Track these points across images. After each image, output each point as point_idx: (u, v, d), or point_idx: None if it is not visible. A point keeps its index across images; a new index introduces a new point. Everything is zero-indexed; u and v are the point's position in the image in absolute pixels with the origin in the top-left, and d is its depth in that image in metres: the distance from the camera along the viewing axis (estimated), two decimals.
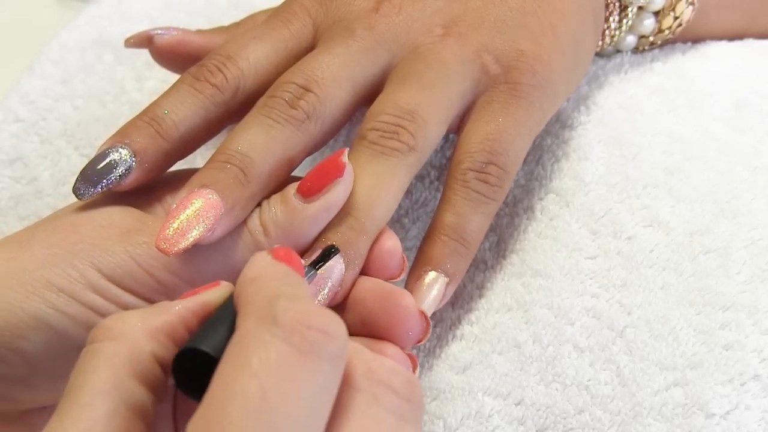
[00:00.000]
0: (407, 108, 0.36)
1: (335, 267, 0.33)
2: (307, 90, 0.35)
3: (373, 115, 0.36)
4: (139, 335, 0.27)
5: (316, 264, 0.33)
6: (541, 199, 0.40)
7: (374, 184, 0.35)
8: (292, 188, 0.34)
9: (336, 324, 0.25)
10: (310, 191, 0.33)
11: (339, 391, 0.26)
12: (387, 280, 0.35)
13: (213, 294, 0.29)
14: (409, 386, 0.27)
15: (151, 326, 0.27)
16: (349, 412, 0.25)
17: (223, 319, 0.27)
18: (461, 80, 0.37)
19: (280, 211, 0.34)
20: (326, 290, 0.33)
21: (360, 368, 0.26)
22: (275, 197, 0.34)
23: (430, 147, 0.36)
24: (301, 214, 0.33)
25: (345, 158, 0.34)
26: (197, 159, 0.43)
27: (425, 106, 0.36)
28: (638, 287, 0.37)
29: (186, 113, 0.36)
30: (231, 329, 0.27)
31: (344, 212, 0.34)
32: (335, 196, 0.33)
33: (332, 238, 0.34)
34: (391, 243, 0.35)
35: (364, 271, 0.35)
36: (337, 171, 0.33)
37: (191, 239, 0.32)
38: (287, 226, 0.33)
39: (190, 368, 0.27)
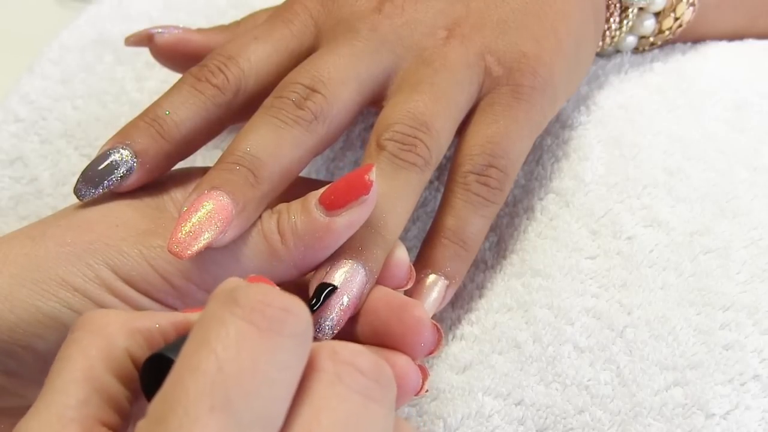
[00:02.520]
0: (423, 119, 0.36)
1: (356, 279, 0.33)
2: (314, 90, 0.35)
3: (389, 123, 0.36)
4: (116, 331, 0.27)
5: (311, 305, 0.33)
6: (541, 199, 0.40)
7: (395, 198, 0.35)
8: (313, 197, 0.34)
9: (298, 304, 0.25)
10: (333, 205, 0.33)
11: (303, 373, 0.25)
12: (394, 289, 0.35)
13: (198, 316, 0.29)
14: (376, 367, 0.26)
15: (131, 326, 0.27)
16: (310, 392, 0.25)
17: None
18: (468, 85, 0.37)
19: (300, 220, 0.33)
20: (347, 302, 0.33)
21: (324, 351, 0.26)
22: (295, 205, 0.34)
23: (440, 158, 0.36)
24: (322, 227, 0.33)
25: (372, 176, 0.33)
26: (197, 159, 0.43)
27: (439, 118, 0.36)
28: (638, 287, 0.37)
29: (187, 114, 0.36)
30: None
31: (367, 225, 0.34)
32: (359, 213, 0.33)
33: (354, 250, 0.34)
34: (399, 253, 0.35)
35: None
36: (363, 188, 0.33)
37: (203, 242, 0.32)
38: (306, 237, 0.33)
39: (160, 378, 0.26)
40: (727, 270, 0.37)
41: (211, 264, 0.33)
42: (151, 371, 0.27)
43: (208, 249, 0.32)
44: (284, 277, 0.34)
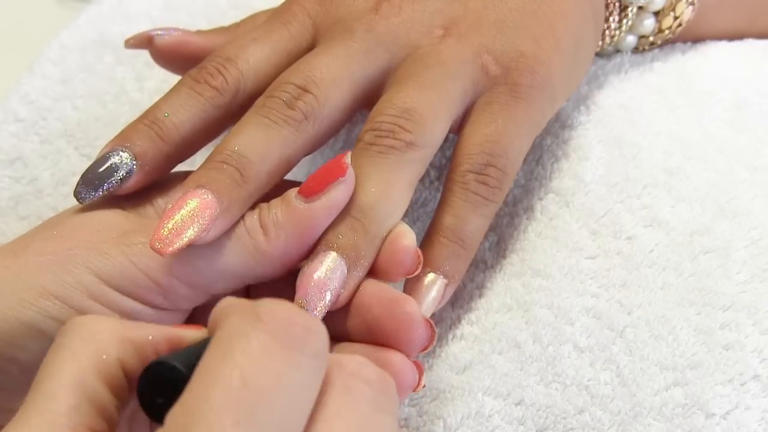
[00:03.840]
0: (404, 107, 0.35)
1: (336, 270, 0.33)
2: (306, 90, 0.36)
3: (372, 117, 0.36)
4: (108, 339, 0.27)
5: None
6: (541, 199, 0.40)
7: (373, 184, 0.35)
8: (293, 191, 0.34)
9: (318, 324, 0.26)
10: (311, 192, 0.33)
11: None
12: (404, 276, 0.35)
13: (191, 333, 0.29)
14: (382, 379, 0.27)
15: (123, 335, 0.27)
16: (321, 404, 0.26)
17: (198, 350, 0.27)
18: (461, 79, 0.37)
19: (281, 211, 0.34)
20: (328, 293, 0.33)
21: (330, 364, 0.27)
22: (276, 200, 0.34)
23: (432, 143, 0.36)
24: (301, 214, 0.33)
25: (347, 160, 0.34)
26: (197, 160, 0.43)
27: (424, 104, 0.36)
28: (638, 287, 0.37)
29: (186, 116, 0.36)
30: None
31: (344, 214, 0.34)
32: (336, 195, 0.33)
33: (332, 241, 0.34)
34: (404, 240, 0.35)
35: (376, 270, 0.35)
36: (339, 171, 0.33)
37: (186, 239, 0.32)
38: (288, 227, 0.33)
39: (155, 388, 0.27)
40: (727, 270, 0.37)
41: (195, 258, 0.33)
42: (149, 383, 0.27)
43: (191, 246, 0.32)
44: (271, 272, 0.34)
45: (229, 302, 0.27)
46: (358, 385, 0.26)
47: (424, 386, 0.34)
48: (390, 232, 0.35)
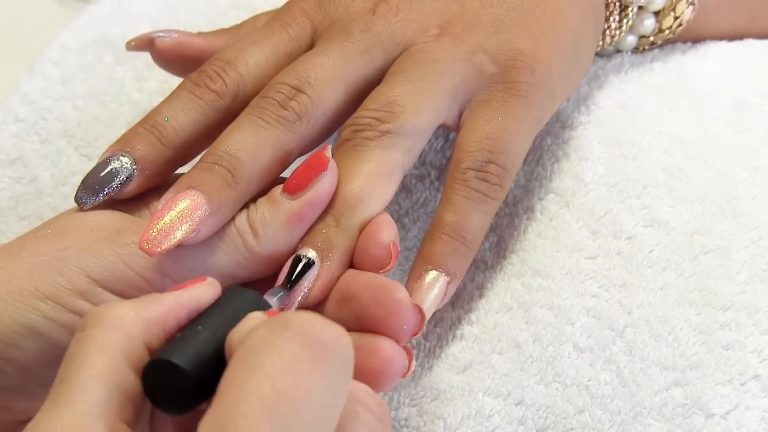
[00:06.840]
0: (384, 101, 0.36)
1: (310, 269, 0.34)
2: (300, 91, 0.36)
3: (354, 114, 0.36)
4: (132, 324, 0.28)
5: (290, 280, 0.33)
6: (541, 199, 0.40)
7: (345, 176, 0.35)
8: (278, 189, 0.34)
9: (344, 333, 0.26)
10: (295, 188, 0.34)
11: None
12: (377, 270, 0.34)
13: (203, 289, 0.30)
14: (381, 408, 0.28)
15: (144, 316, 0.28)
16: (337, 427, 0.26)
17: (202, 332, 0.28)
18: (450, 76, 0.37)
19: (267, 210, 0.34)
20: (305, 291, 0.33)
21: None
22: (262, 198, 0.34)
23: (414, 132, 0.36)
24: (287, 210, 0.34)
25: (328, 153, 0.34)
26: None
27: (404, 95, 0.36)
28: (638, 287, 0.37)
29: (186, 119, 0.36)
30: (210, 345, 0.28)
31: (323, 213, 0.34)
32: (320, 189, 0.34)
33: (309, 241, 0.34)
34: (380, 234, 0.35)
35: (352, 262, 0.35)
36: (320, 165, 0.34)
37: (175, 240, 0.32)
38: (275, 225, 0.34)
39: (160, 377, 0.27)
40: (727, 270, 0.37)
41: (187, 257, 0.33)
42: (154, 372, 0.27)
43: (181, 246, 0.32)
44: (262, 270, 0.34)
45: (254, 316, 0.28)
46: (365, 413, 0.27)
47: (414, 371, 0.34)
48: (369, 222, 0.35)
